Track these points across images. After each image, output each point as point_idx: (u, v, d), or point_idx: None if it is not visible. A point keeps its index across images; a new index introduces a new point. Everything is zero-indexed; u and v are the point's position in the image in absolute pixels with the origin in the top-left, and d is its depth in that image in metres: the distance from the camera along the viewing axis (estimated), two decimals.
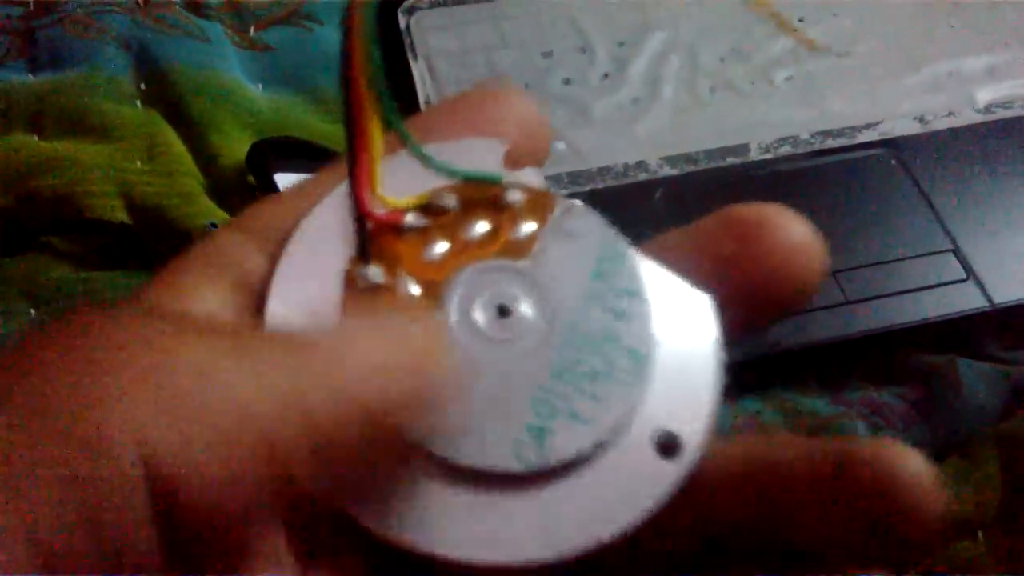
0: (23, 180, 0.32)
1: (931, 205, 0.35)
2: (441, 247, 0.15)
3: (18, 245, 0.32)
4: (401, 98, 0.38)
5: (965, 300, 0.33)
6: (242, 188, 0.33)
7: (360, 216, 0.14)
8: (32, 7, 0.39)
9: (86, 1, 0.39)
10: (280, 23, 0.40)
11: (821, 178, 0.36)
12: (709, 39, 0.40)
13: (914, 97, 0.39)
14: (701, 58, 0.39)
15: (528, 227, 0.15)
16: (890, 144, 0.37)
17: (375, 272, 0.15)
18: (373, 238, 0.15)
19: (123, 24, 0.38)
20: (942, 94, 0.39)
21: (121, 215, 0.32)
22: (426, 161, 0.15)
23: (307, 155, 0.35)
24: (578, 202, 0.16)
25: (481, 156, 0.16)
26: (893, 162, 0.37)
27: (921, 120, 0.38)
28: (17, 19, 0.38)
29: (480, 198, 0.16)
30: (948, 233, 0.35)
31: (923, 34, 0.41)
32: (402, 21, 0.39)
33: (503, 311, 0.15)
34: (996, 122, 0.38)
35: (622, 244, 0.15)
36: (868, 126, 0.38)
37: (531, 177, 0.16)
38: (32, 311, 0.31)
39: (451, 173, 0.15)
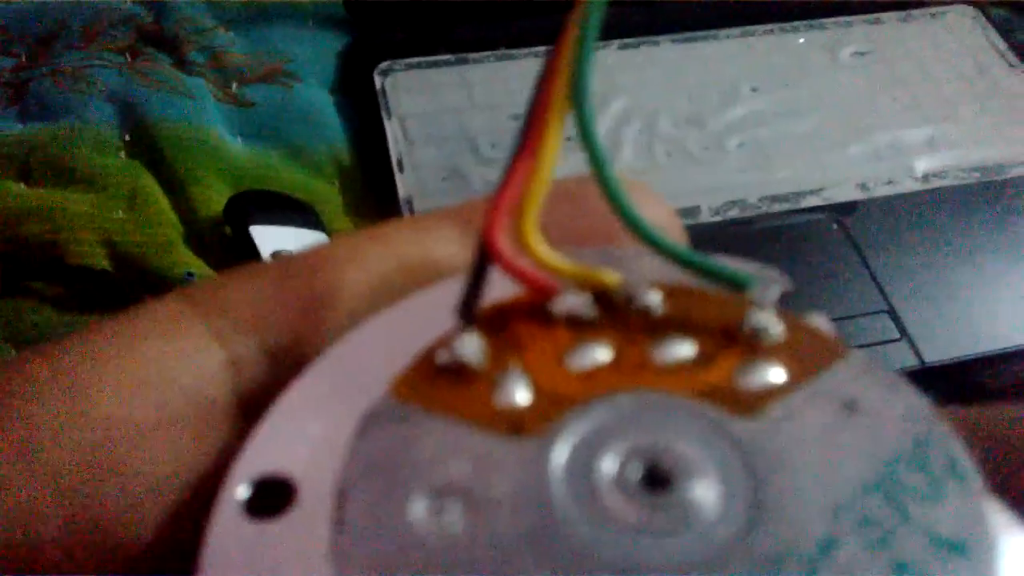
0: (10, 226, 0.34)
1: (869, 268, 0.38)
2: (597, 353, 0.10)
3: (3, 288, 0.33)
4: (374, 155, 0.40)
5: (898, 358, 0.35)
6: (219, 239, 0.35)
7: (483, 255, 0.10)
8: (24, 60, 0.41)
9: (75, 55, 0.41)
10: (261, 80, 0.42)
11: (767, 240, 0.38)
12: (667, 106, 0.43)
13: (856, 165, 0.41)
14: (659, 124, 0.42)
15: (775, 374, 0.10)
16: (833, 209, 0.40)
17: (472, 346, 0.10)
18: (495, 311, 0.11)
19: (110, 78, 0.40)
20: (883, 163, 0.42)
21: (103, 262, 0.34)
22: (640, 228, 0.10)
23: (284, 208, 0.37)
24: (883, 368, 0.10)
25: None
26: (835, 226, 0.39)
27: (863, 187, 0.41)
28: (8, 71, 0.40)
29: (701, 306, 0.11)
30: (884, 295, 0.37)
31: (867, 106, 0.44)
32: (377, 82, 0.42)
33: (657, 478, 0.09)
34: (933, 191, 0.41)
35: (953, 446, 0.10)
36: (812, 191, 0.40)
37: (814, 319, 0.11)
38: (13, 351, 0.32)
39: (678, 256, 0.10)
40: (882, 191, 0.41)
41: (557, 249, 0.11)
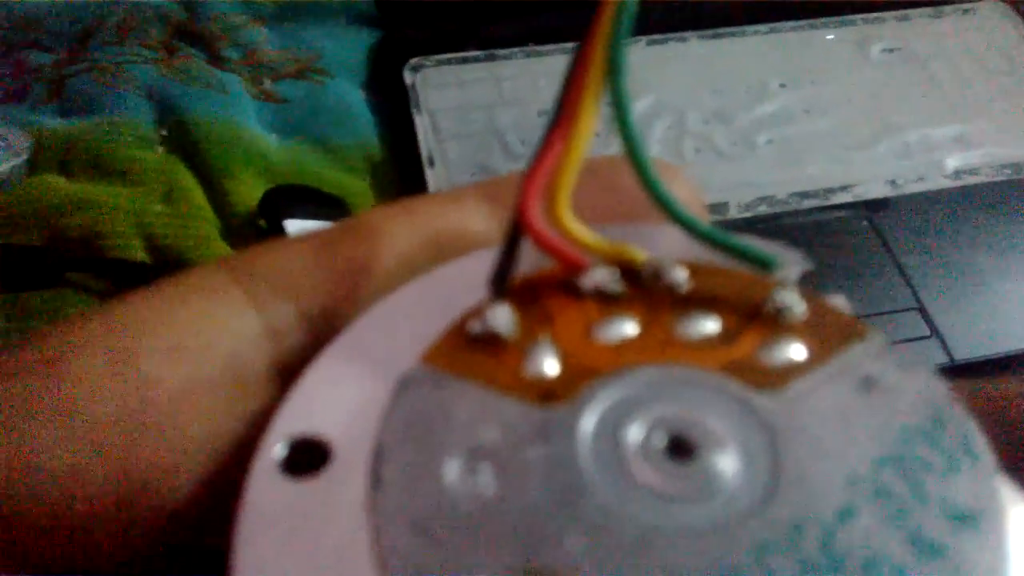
0: (51, 219, 0.35)
1: (899, 265, 0.38)
2: (624, 326, 0.11)
3: (44, 280, 0.34)
4: (404, 151, 0.40)
5: (928, 356, 0.35)
6: (254, 232, 0.36)
7: (517, 227, 0.10)
8: (63, 56, 0.42)
9: (112, 51, 0.42)
10: (294, 77, 0.43)
11: (796, 236, 0.38)
12: (695, 102, 0.43)
13: (887, 162, 0.41)
14: (687, 120, 0.42)
15: (796, 351, 0.10)
16: (862, 206, 0.40)
17: (504, 317, 0.10)
18: (526, 284, 0.11)
19: (147, 75, 0.41)
20: (913, 160, 0.42)
21: (141, 255, 0.34)
22: (669, 206, 0.11)
23: (316, 202, 0.37)
24: (902, 350, 0.11)
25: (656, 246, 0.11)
26: (865, 223, 0.39)
27: (893, 184, 0.41)
28: (50, 67, 0.41)
29: (725, 284, 0.11)
30: (915, 292, 0.37)
31: (897, 103, 0.44)
32: (408, 78, 0.42)
33: (681, 447, 0.10)
34: (963, 188, 0.41)
35: (967, 425, 0.10)
36: (842, 188, 0.40)
37: (835, 299, 0.11)
38: None
39: (706, 234, 0.11)
40: (912, 188, 0.40)
41: (586, 224, 0.11)
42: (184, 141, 0.39)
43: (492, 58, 0.43)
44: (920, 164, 0.41)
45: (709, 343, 0.11)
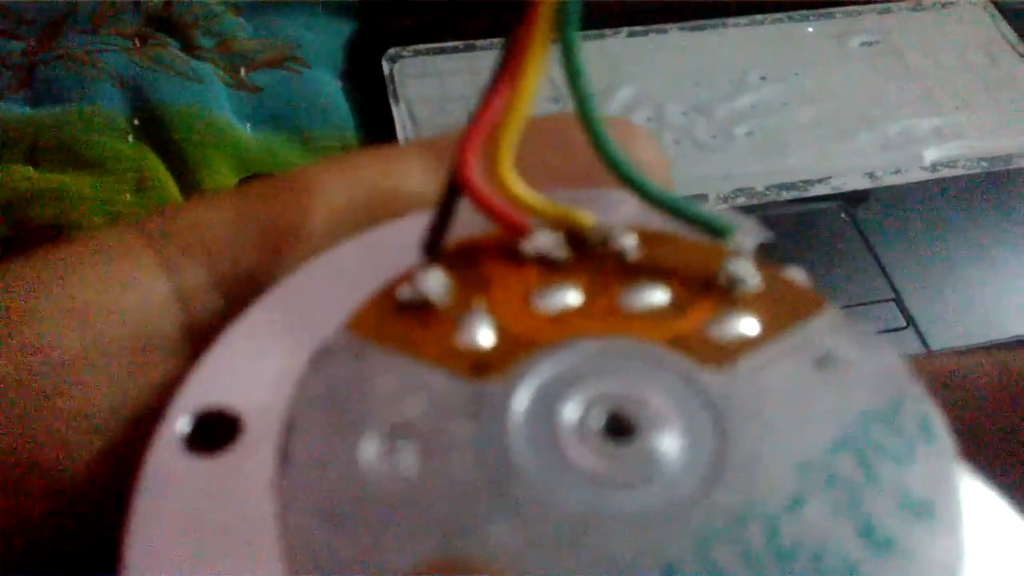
0: (18, 209, 0.34)
1: (876, 256, 0.38)
2: (566, 295, 0.10)
3: None
4: (382, 141, 0.40)
5: (904, 347, 0.35)
6: None
7: (454, 185, 0.10)
8: (33, 44, 0.41)
9: (84, 40, 0.41)
10: (270, 66, 0.42)
11: (774, 228, 0.38)
12: (675, 94, 0.43)
13: (865, 154, 0.41)
14: (667, 112, 0.42)
15: (749, 325, 0.10)
16: (841, 198, 0.39)
17: (436, 283, 0.10)
18: (462, 248, 0.10)
19: (119, 63, 0.40)
20: (892, 152, 0.42)
21: None
22: (618, 166, 0.10)
23: None
24: (862, 325, 0.10)
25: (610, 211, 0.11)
26: (843, 215, 0.39)
27: (871, 176, 0.41)
28: (18, 55, 0.40)
29: (678, 252, 0.10)
30: (892, 283, 0.37)
31: (876, 95, 0.44)
32: (385, 68, 0.42)
33: (620, 426, 0.09)
34: (942, 180, 0.41)
35: (927, 407, 0.09)
36: (821, 180, 0.40)
37: (792, 272, 0.11)
38: None
39: (657, 198, 0.10)
40: (890, 180, 0.40)
41: (533, 187, 0.10)
42: (156, 131, 0.38)
43: (470, 48, 0.43)
44: (898, 156, 0.41)
45: (656, 315, 0.10)
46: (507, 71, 0.10)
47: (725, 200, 0.39)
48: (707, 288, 0.10)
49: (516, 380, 0.09)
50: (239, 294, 0.11)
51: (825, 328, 0.10)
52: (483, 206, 0.10)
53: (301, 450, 0.09)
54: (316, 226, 0.11)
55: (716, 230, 0.10)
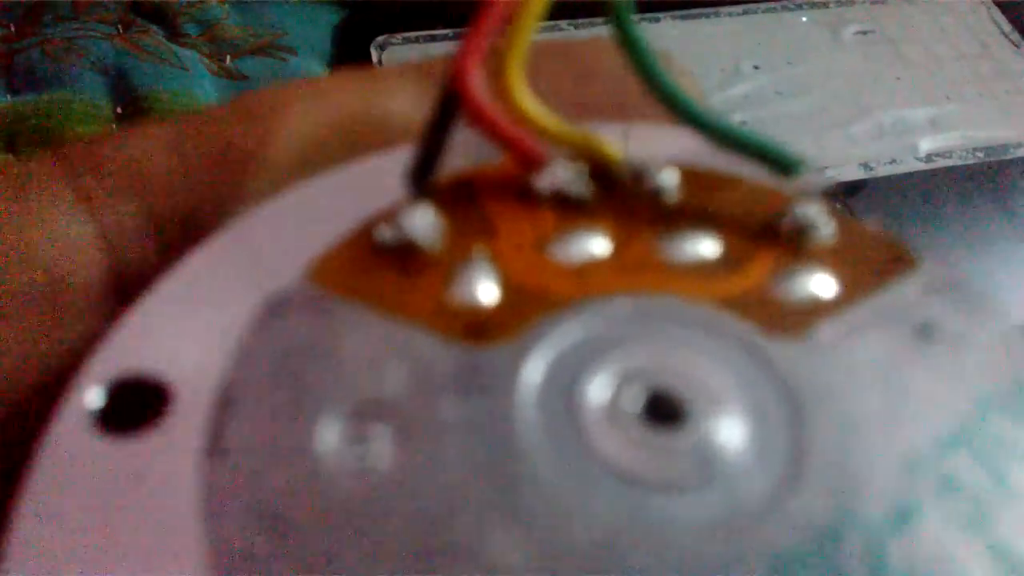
0: None
1: None
2: (591, 243, 0.08)
3: None
4: None
5: None
6: None
7: (450, 99, 0.08)
8: (12, 31, 0.40)
9: (66, 26, 0.40)
10: (256, 54, 0.41)
11: None
12: None
13: (859, 145, 0.41)
14: None
15: (825, 285, 0.08)
16: (835, 188, 0.39)
17: (425, 222, 0.08)
18: (459, 182, 0.08)
19: (102, 49, 0.39)
20: (886, 142, 0.41)
21: None
22: (667, 90, 0.08)
23: None
24: (969, 285, 0.08)
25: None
26: (838, 205, 0.39)
27: (865, 167, 0.40)
28: None
29: (729, 193, 0.08)
30: (896, 236, 0.36)
31: (870, 85, 0.43)
32: (374, 55, 0.41)
33: (663, 411, 0.07)
34: (936, 171, 0.41)
35: None
36: (815, 171, 0.40)
37: (869, 223, 0.09)
38: None
39: (714, 126, 0.08)
40: (885, 170, 0.40)
41: (549, 109, 0.08)
42: (140, 119, 0.37)
43: (459, 36, 0.42)
44: (893, 147, 0.41)
45: (705, 269, 0.08)
46: None
47: None
48: (768, 237, 0.08)
49: (527, 347, 0.07)
50: (179, 239, 0.09)
51: (922, 289, 0.08)
52: (487, 126, 0.08)
53: (238, 434, 0.07)
54: (277, 158, 0.09)
55: (785, 164, 0.08)
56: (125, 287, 0.09)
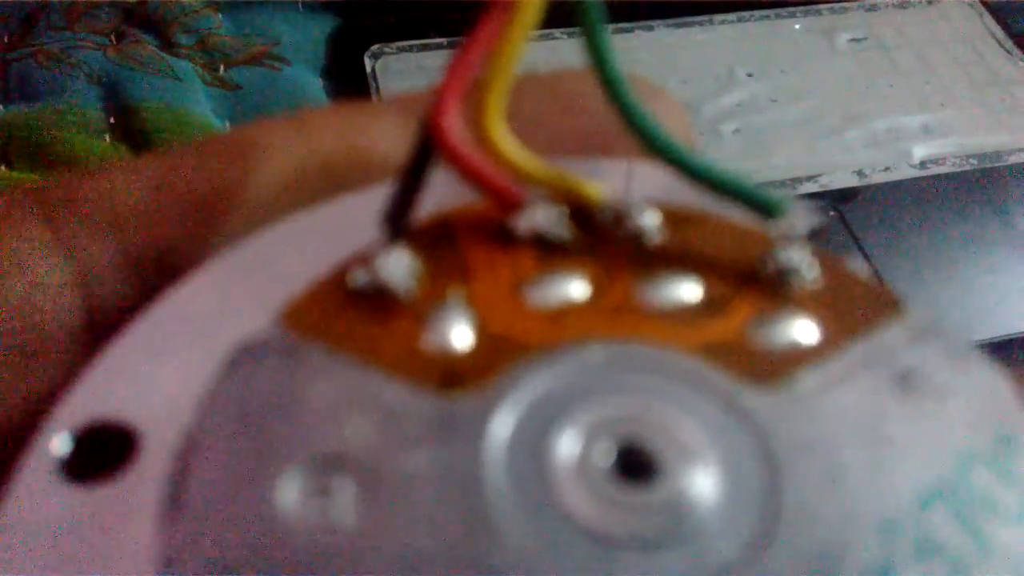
0: None
1: (865, 254, 0.37)
2: (568, 287, 0.08)
3: None
4: None
5: None
6: None
7: (425, 144, 0.07)
8: (6, 41, 0.40)
9: (59, 36, 0.40)
10: (249, 63, 0.41)
11: None
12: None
13: (853, 152, 0.41)
14: None
15: (806, 331, 0.08)
16: (829, 195, 0.39)
17: (400, 266, 0.07)
18: (435, 223, 0.08)
19: (95, 59, 0.39)
20: (880, 150, 0.41)
21: None
22: (648, 130, 0.08)
23: None
24: (954, 335, 0.08)
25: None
26: (831, 213, 0.39)
27: (859, 174, 0.40)
28: None
29: (711, 235, 0.08)
30: (881, 281, 0.36)
31: (863, 92, 0.43)
32: (367, 65, 0.41)
33: (635, 464, 0.07)
34: (930, 178, 0.41)
35: None
36: (809, 178, 0.40)
37: (855, 265, 0.08)
38: None
39: (695, 169, 0.08)
40: (879, 178, 0.40)
41: (529, 150, 0.08)
42: (133, 129, 0.37)
43: (453, 45, 0.42)
44: (887, 154, 0.41)
45: (684, 314, 0.08)
46: (500, 2, 0.07)
47: None
48: (750, 282, 0.08)
49: (498, 396, 0.07)
50: (153, 279, 0.09)
51: (906, 338, 0.08)
52: (464, 168, 0.07)
53: (198, 488, 0.06)
54: (257, 196, 0.09)
55: (767, 207, 0.08)
56: (101, 327, 0.08)
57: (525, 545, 0.06)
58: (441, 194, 0.08)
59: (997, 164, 0.41)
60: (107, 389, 0.07)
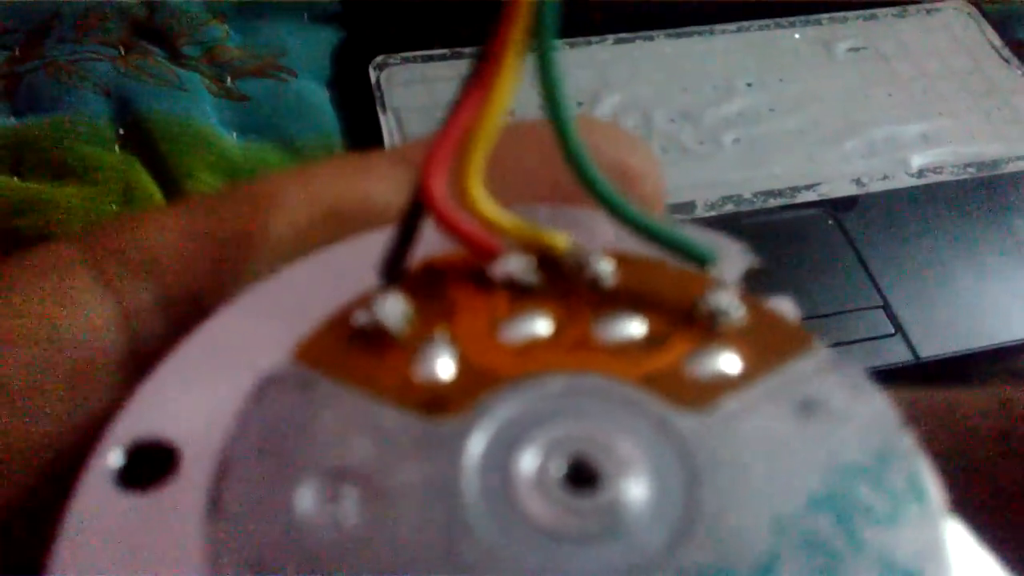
0: (3, 219, 0.34)
1: (864, 263, 0.38)
2: (536, 325, 0.09)
3: None
4: (369, 149, 0.39)
5: (893, 354, 0.35)
6: None
7: (417, 203, 0.09)
8: (17, 52, 0.41)
9: (69, 48, 0.41)
10: (256, 74, 0.42)
11: (762, 235, 0.38)
12: (662, 101, 0.43)
13: (852, 160, 0.41)
14: (654, 119, 0.42)
15: (730, 364, 0.09)
16: (828, 204, 0.40)
17: (395, 308, 0.09)
18: (425, 269, 0.10)
19: (104, 72, 0.40)
20: (878, 158, 0.42)
21: None
22: (593, 185, 0.09)
23: None
24: (852, 367, 0.09)
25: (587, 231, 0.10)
26: (830, 221, 0.39)
27: (858, 182, 0.41)
28: (3, 64, 0.40)
29: (658, 280, 0.10)
30: (879, 290, 0.37)
31: (862, 101, 0.44)
32: (373, 76, 0.42)
33: (582, 474, 0.08)
34: (928, 186, 0.41)
35: (914, 460, 0.09)
36: (807, 187, 0.40)
37: (781, 304, 0.10)
38: None
39: (633, 220, 0.09)
40: (877, 186, 0.41)
41: (513, 196, 0.09)
42: (142, 140, 0.38)
43: (458, 56, 0.43)
44: (885, 163, 0.42)
45: (630, 349, 0.09)
46: (479, 80, 0.09)
47: (713, 207, 0.39)
48: (687, 320, 0.09)
49: (473, 421, 0.09)
50: (186, 316, 0.10)
51: (812, 370, 0.09)
52: (449, 227, 0.09)
53: (233, 495, 0.08)
54: (272, 242, 0.10)
55: (696, 257, 0.10)
56: (142, 358, 0.10)
57: (492, 542, 0.08)
58: (430, 242, 0.10)
59: (995, 173, 0.42)
60: (151, 412, 0.09)
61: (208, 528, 0.08)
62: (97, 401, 0.10)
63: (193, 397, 0.09)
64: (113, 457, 0.09)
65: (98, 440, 0.09)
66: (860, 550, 0.08)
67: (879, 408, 0.09)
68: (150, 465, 0.08)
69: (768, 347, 0.09)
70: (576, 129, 0.09)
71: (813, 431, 0.09)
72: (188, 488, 0.08)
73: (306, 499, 0.08)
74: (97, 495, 0.08)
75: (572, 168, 0.09)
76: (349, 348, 0.09)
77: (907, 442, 0.09)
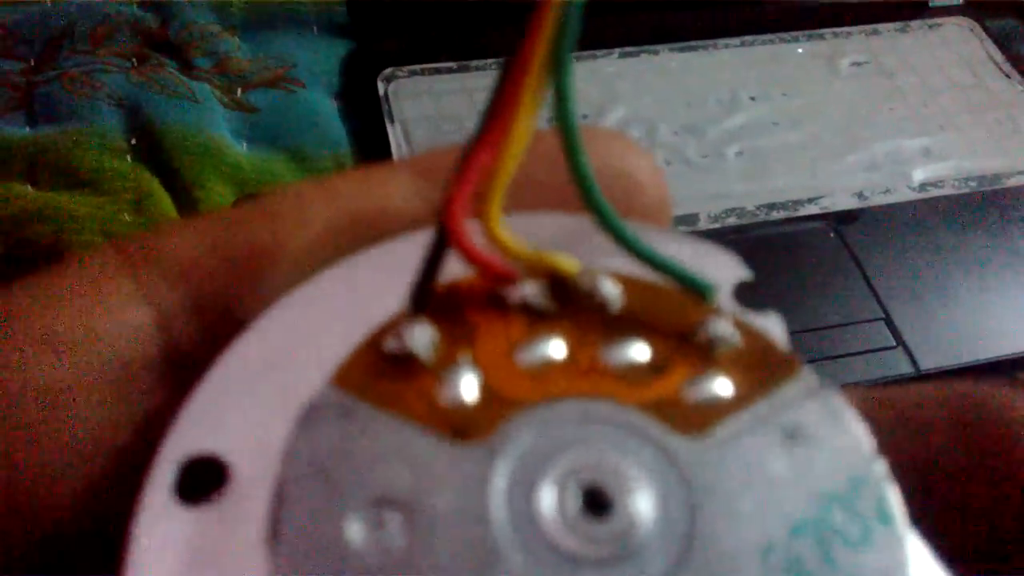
0: (17, 228, 0.34)
1: (866, 276, 0.38)
2: (550, 348, 0.10)
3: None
4: (377, 161, 0.40)
5: (894, 366, 0.35)
6: None
7: (442, 238, 0.10)
8: (31, 63, 0.41)
9: (82, 59, 0.42)
10: (266, 86, 0.43)
11: (764, 248, 0.39)
12: (666, 114, 0.43)
13: (854, 174, 0.42)
14: (658, 132, 0.42)
15: (724, 388, 0.10)
16: (830, 218, 0.40)
17: (422, 336, 0.10)
18: (448, 293, 0.10)
19: (117, 82, 0.41)
20: (880, 172, 0.42)
21: None
22: (602, 215, 0.10)
23: None
24: (833, 390, 0.10)
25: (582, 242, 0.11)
26: (832, 235, 0.39)
27: (860, 196, 0.41)
28: (17, 75, 0.41)
29: (659, 302, 0.10)
30: (881, 303, 0.37)
31: (864, 116, 0.44)
32: (381, 88, 0.42)
33: (597, 501, 0.09)
34: (930, 200, 0.41)
35: (882, 486, 0.09)
36: (810, 200, 0.40)
37: (769, 323, 0.10)
38: None
39: (639, 251, 0.10)
40: (879, 200, 0.41)
41: (526, 204, 0.10)
42: (154, 150, 0.38)
43: (465, 69, 0.43)
44: (887, 177, 0.42)
45: (636, 373, 0.10)
46: (498, 117, 0.09)
47: (716, 220, 0.39)
48: (688, 345, 0.10)
49: (496, 447, 0.09)
50: (216, 322, 0.10)
51: (796, 396, 0.10)
52: (472, 259, 0.10)
53: (290, 522, 0.09)
54: (294, 251, 0.11)
55: (695, 289, 0.10)
56: (178, 364, 0.10)
57: (522, 568, 0.09)
58: (453, 267, 0.10)
59: (996, 187, 0.42)
60: (202, 428, 0.09)
61: (268, 552, 0.08)
62: (138, 404, 0.10)
63: (238, 414, 0.09)
64: (170, 471, 0.09)
65: (154, 453, 0.09)
66: (833, 571, 0.09)
67: (854, 435, 0.10)
68: (206, 479, 0.09)
69: (758, 373, 0.10)
70: (584, 149, 0.10)
71: (795, 457, 0.09)
72: (242, 502, 0.09)
73: (355, 526, 0.09)
74: (159, 509, 0.09)
75: (583, 197, 0.10)
76: (382, 373, 0.10)
77: (878, 468, 0.09)
